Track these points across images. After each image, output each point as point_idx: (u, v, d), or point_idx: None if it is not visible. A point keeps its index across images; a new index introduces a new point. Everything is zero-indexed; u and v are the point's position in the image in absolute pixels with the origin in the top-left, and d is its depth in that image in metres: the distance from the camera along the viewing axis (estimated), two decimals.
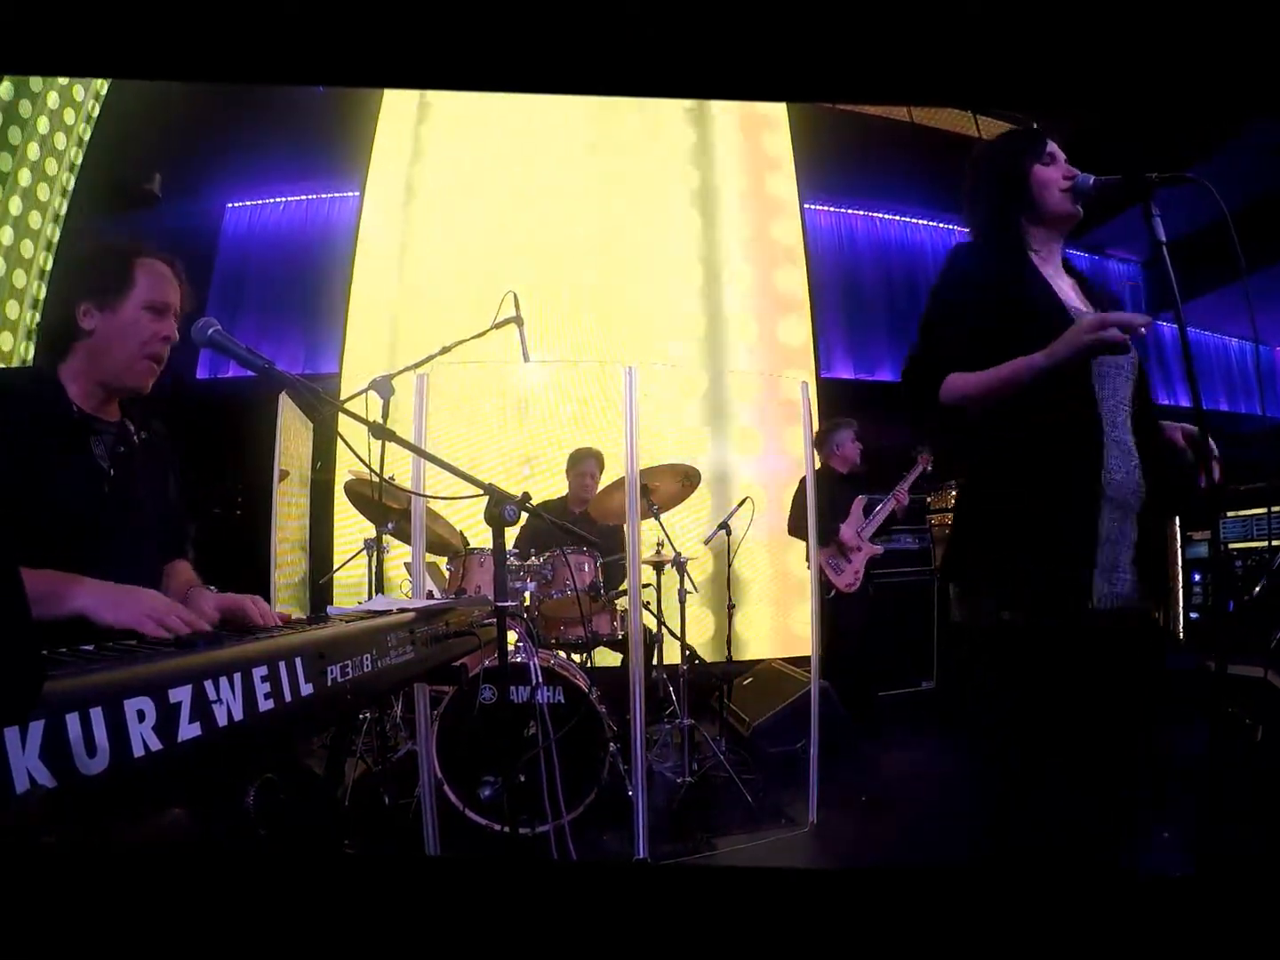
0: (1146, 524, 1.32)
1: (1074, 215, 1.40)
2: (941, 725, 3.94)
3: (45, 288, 3.57)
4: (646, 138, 5.26)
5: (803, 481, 4.01)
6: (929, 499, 4.67)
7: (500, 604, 1.50)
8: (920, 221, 6.02)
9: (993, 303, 1.32)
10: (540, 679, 2.40)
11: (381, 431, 1.45)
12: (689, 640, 3.14)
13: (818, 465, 4.07)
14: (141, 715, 0.61)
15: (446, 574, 2.94)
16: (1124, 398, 1.33)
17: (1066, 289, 1.40)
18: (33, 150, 3.60)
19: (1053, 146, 1.41)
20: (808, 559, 3.63)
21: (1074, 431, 1.27)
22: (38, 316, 3.44)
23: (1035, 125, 1.59)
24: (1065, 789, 1.27)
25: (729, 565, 3.52)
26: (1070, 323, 1.25)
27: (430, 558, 3.01)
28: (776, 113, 5.49)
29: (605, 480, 3.43)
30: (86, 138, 3.94)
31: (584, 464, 3.48)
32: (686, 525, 4.58)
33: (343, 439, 1.36)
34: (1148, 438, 1.34)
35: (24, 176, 3.57)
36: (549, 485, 4.41)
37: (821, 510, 3.66)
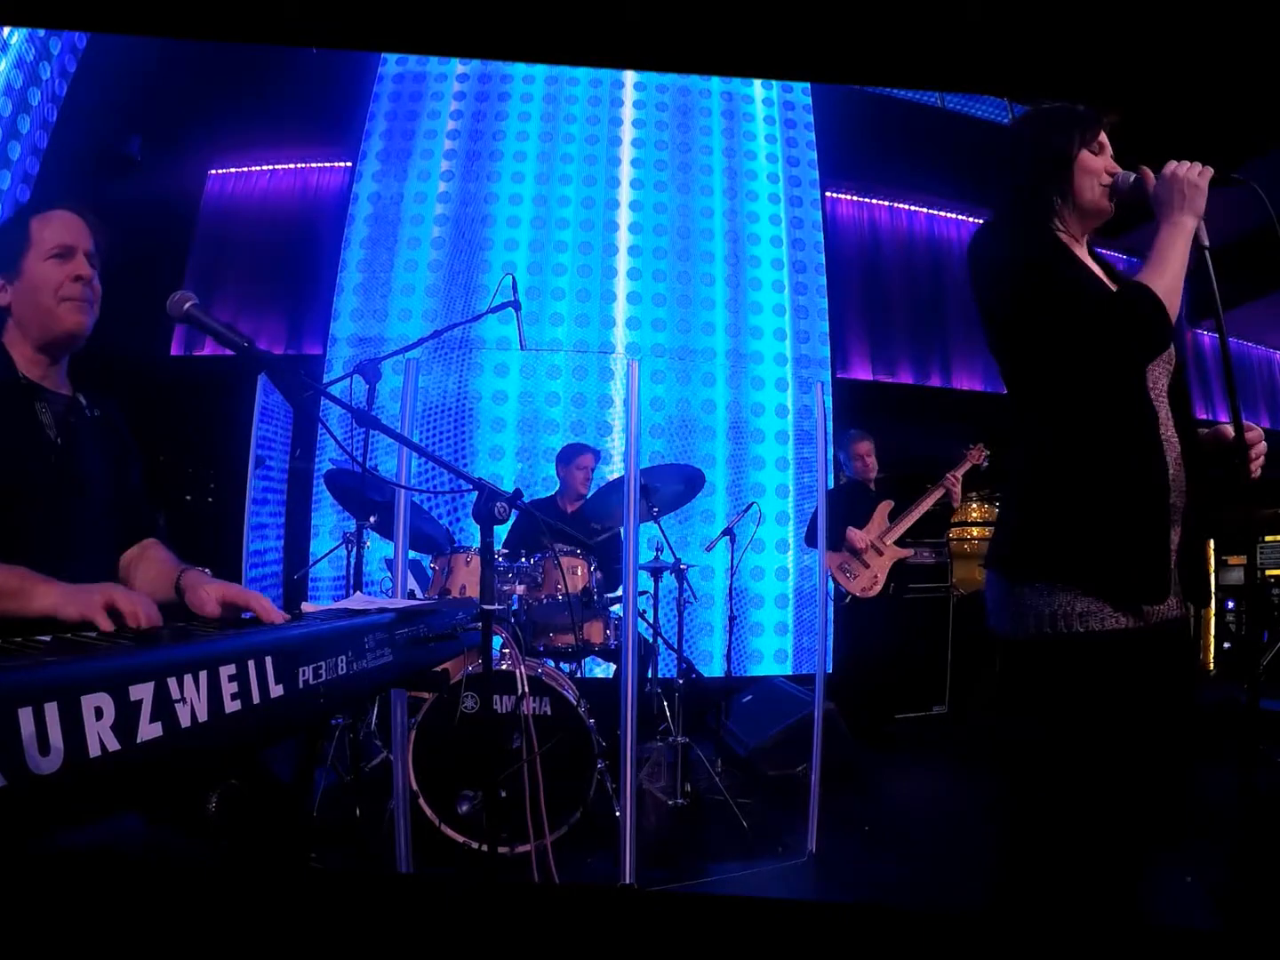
0: (1188, 526, 1.32)
1: (1107, 212, 1.40)
2: (952, 752, 3.93)
3: None
4: (660, 119, 5.26)
5: (830, 493, 4.02)
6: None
7: (486, 607, 1.50)
8: (948, 214, 6.01)
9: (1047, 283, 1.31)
10: (526, 688, 2.40)
11: (366, 419, 1.45)
12: (686, 653, 3.14)
13: (842, 478, 4.07)
14: (100, 712, 0.61)
15: (430, 572, 2.94)
16: (1162, 390, 1.34)
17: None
18: (5, 106, 3.60)
19: (1103, 135, 1.41)
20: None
21: (1133, 422, 1.29)
22: None
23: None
24: (1100, 832, 1.25)
25: (732, 574, 3.52)
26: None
27: (413, 554, 3.01)
28: (799, 93, 5.49)
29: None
30: (62, 95, 3.95)
31: (582, 458, 3.47)
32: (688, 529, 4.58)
33: (324, 426, 1.37)
34: (1185, 434, 1.35)
35: None
36: (545, 482, 4.42)
37: (840, 520, 3.64)
